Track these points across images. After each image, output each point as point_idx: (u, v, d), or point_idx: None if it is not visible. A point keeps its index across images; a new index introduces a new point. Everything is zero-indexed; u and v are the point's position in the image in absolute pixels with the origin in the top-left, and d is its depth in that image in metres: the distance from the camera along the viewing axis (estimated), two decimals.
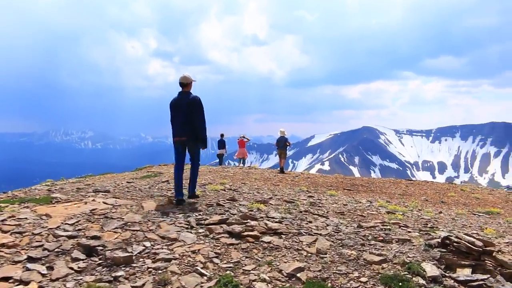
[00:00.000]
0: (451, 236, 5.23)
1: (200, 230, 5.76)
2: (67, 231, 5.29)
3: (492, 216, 9.03)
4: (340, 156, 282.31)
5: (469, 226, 7.66)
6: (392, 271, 4.50)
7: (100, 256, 4.64)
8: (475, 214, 9.11)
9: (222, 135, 25.54)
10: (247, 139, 24.60)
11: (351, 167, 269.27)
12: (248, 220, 6.25)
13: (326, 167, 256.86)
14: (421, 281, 4.31)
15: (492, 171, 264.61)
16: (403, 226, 6.53)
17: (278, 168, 17.62)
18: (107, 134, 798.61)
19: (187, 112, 7.38)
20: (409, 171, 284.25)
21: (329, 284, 4.24)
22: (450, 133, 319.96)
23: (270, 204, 8.09)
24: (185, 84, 7.57)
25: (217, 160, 25.67)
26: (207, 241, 5.36)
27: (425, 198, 11.13)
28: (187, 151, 7.77)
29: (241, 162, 24.17)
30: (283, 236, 5.65)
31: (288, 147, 18.09)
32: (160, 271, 4.32)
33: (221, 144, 25.24)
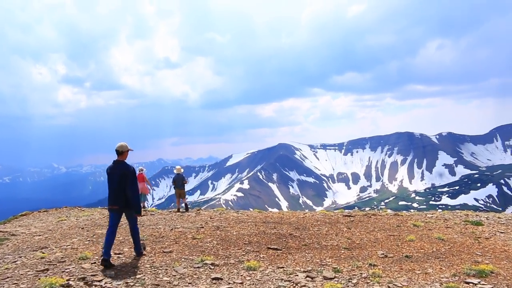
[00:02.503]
0: None
1: None
2: None
3: (488, 279, 6.05)
4: (258, 174, 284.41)
5: None
6: None
7: None
8: (468, 283, 6.02)
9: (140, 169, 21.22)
10: (143, 170, 20.49)
11: (270, 184, 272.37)
12: None
13: (246, 185, 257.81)
14: None
15: (400, 178, 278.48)
16: None
17: (176, 209, 15.99)
18: (15, 166, 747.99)
19: (119, 182, 7.54)
20: (325, 183, 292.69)
21: None
22: (360, 145, 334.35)
23: None
24: (121, 152, 7.77)
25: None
26: None
27: (383, 253, 7.92)
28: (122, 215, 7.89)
29: (141, 198, 19.92)
30: None
31: (185, 184, 17.06)
32: None
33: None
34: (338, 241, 9.09)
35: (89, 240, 9.36)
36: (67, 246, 8.87)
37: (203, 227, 10.64)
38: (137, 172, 20.41)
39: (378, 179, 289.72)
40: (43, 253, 8.11)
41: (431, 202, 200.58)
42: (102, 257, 7.25)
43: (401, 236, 9.62)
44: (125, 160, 7.87)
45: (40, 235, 10.60)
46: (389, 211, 15.63)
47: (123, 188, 7.54)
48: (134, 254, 8.04)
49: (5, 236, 10.79)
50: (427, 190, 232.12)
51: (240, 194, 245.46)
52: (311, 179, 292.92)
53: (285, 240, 9.09)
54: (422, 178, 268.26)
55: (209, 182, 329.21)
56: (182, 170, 17.32)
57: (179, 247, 8.41)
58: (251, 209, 20.41)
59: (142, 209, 19.40)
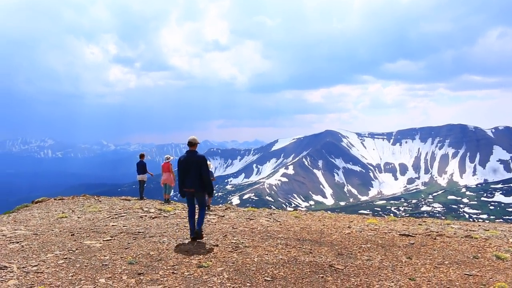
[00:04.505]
0: None
1: None
2: None
3: None
4: (304, 159, 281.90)
5: None
6: None
7: None
8: None
9: (141, 156, 19.33)
10: (169, 159, 18.51)
11: (315, 170, 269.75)
12: None
13: (291, 171, 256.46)
14: None
15: (450, 172, 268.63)
16: None
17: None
18: (67, 142, 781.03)
19: (196, 169, 8.72)
20: (372, 173, 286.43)
21: None
22: (410, 135, 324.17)
23: None
24: (193, 144, 9.03)
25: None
26: None
27: None
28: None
29: (165, 190, 17.97)
30: None
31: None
32: None
33: (141, 168, 19.01)
34: (397, 283, 6.51)
35: (65, 259, 7.16)
36: (33, 267, 6.71)
37: (217, 246, 8.26)
38: (163, 161, 18.44)
39: (427, 171, 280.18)
40: None
41: (482, 199, 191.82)
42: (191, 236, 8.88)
43: (484, 279, 6.89)
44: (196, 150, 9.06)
45: (18, 242, 8.57)
46: (455, 227, 12.76)
47: (199, 174, 8.70)
48: (196, 227, 8.89)
49: None
50: (479, 185, 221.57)
51: (284, 179, 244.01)
52: (357, 168, 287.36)
53: (322, 277, 6.58)
54: (474, 173, 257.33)
55: (254, 165, 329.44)
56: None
57: (174, 282, 6.09)
58: (288, 210, 17.92)
59: (166, 203, 17.47)
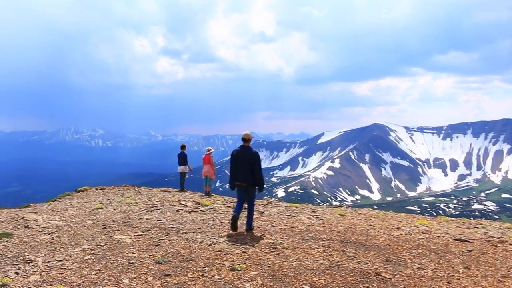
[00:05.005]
0: None
1: None
2: None
3: None
4: (350, 153, 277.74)
5: None
6: None
7: None
8: None
9: (183, 147, 19.03)
10: (210, 151, 18.11)
11: (361, 164, 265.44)
12: None
13: (337, 164, 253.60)
14: None
15: (505, 169, 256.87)
16: None
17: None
18: (117, 132, 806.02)
19: (249, 164, 8.84)
20: (420, 168, 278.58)
21: None
22: (461, 130, 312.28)
23: None
24: (247, 139, 9.12)
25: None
26: None
27: None
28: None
29: (206, 182, 17.58)
30: None
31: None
32: None
33: (182, 159, 18.72)
34: None
35: (92, 254, 6.80)
36: (58, 262, 6.38)
37: (254, 246, 7.66)
38: (204, 153, 18.06)
39: (479, 168, 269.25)
40: (8, 278, 5.68)
41: None
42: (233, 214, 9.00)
43: None
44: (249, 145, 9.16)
45: (49, 233, 8.33)
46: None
47: (252, 169, 8.80)
48: (245, 227, 9.17)
49: (8, 230, 8.73)
50: None
51: (330, 172, 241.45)
52: (405, 163, 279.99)
53: (368, 287, 5.88)
54: None
55: (300, 158, 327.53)
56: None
57: (202, 287, 5.56)
58: (333, 206, 17.14)
59: (206, 196, 17.10)
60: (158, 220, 9.80)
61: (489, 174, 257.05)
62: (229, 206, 12.81)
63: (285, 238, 8.40)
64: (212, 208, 12.03)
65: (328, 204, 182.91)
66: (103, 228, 8.77)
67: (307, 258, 6.99)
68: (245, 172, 8.86)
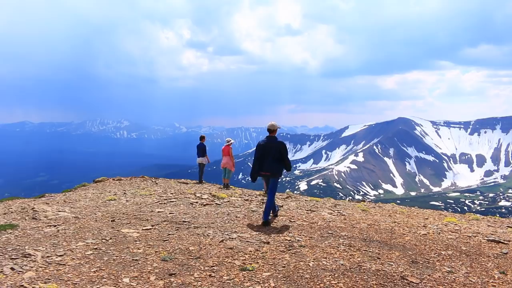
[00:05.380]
0: None
1: None
2: None
3: None
4: (374, 147, 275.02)
5: None
6: None
7: None
8: None
9: (202, 138, 18.62)
10: (230, 142, 17.67)
11: (385, 158, 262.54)
12: None
13: (360, 158, 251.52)
14: None
15: None
16: None
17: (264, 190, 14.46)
18: (141, 124, 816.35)
19: (275, 153, 8.90)
20: (445, 163, 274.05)
21: None
22: (490, 125, 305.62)
23: None
24: (272, 130, 9.11)
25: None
26: None
27: None
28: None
29: (225, 174, 17.14)
30: None
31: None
32: None
33: (201, 150, 18.31)
34: None
35: (95, 249, 6.36)
36: (58, 257, 5.97)
37: (268, 243, 7.12)
38: (224, 144, 17.61)
39: (507, 164, 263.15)
40: (2, 274, 5.28)
41: None
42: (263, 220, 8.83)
43: None
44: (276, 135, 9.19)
45: (55, 226, 7.96)
46: None
47: (277, 160, 8.92)
48: (262, 220, 8.98)
49: (16, 221, 8.39)
50: None
51: (353, 166, 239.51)
52: (430, 157, 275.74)
53: None
54: None
55: (323, 151, 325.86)
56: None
57: None
58: (356, 200, 16.49)
59: (225, 188, 16.65)
60: (170, 213, 9.34)
61: None
62: (247, 200, 12.31)
63: (303, 235, 7.84)
64: (228, 201, 11.52)
65: (350, 198, 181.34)
66: (111, 221, 8.34)
67: (325, 258, 6.41)
68: (271, 161, 8.90)
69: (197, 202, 10.87)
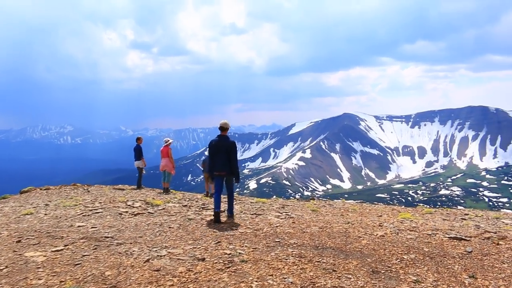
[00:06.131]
0: None
1: None
2: None
3: None
4: (321, 143, 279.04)
5: None
6: None
7: None
8: None
9: (138, 139, 17.18)
10: (168, 142, 16.33)
11: (332, 154, 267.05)
12: None
13: (308, 155, 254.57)
14: None
15: (470, 155, 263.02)
16: None
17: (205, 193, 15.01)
18: (86, 128, 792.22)
19: (227, 153, 8.94)
20: (389, 156, 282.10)
21: None
22: (429, 117, 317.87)
23: None
24: (225, 128, 9.23)
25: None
26: None
27: None
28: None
29: (164, 178, 15.81)
30: None
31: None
32: None
33: (137, 153, 16.89)
34: None
35: None
36: None
37: (204, 260, 5.94)
38: (163, 145, 16.32)
39: (446, 154, 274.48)
40: None
41: (503, 182, 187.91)
42: (215, 211, 8.84)
43: None
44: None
45: None
46: (509, 223, 10.33)
47: (229, 159, 8.91)
48: (227, 213, 9.35)
49: None
50: (500, 168, 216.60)
51: (301, 163, 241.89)
52: (375, 151, 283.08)
53: None
54: (495, 156, 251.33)
55: (271, 149, 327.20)
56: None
57: None
58: (305, 199, 15.61)
59: (165, 193, 15.32)
60: (92, 228, 7.91)
61: (455, 160, 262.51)
62: (185, 205, 11.05)
63: (245, 246, 6.71)
64: (163, 209, 10.17)
65: (299, 195, 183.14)
66: (16, 242, 6.88)
67: (272, 275, 5.32)
68: (223, 161, 8.92)
69: (127, 212, 9.49)
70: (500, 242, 7.57)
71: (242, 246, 6.66)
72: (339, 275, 5.40)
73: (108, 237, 7.09)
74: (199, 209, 10.59)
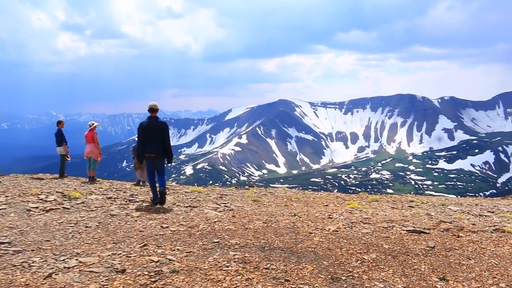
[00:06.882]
0: None
1: None
2: None
3: None
4: (257, 129, 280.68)
5: None
6: None
7: None
8: None
9: (58, 123, 15.40)
10: (93, 125, 14.70)
11: (268, 139, 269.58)
12: None
13: (244, 140, 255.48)
14: None
15: (399, 140, 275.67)
16: None
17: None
18: (13, 113, 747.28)
19: (159, 134, 8.75)
20: (324, 142, 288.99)
21: None
22: (361, 104, 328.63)
23: None
24: (155, 110, 8.94)
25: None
26: None
27: None
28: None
29: (89, 166, 14.21)
30: None
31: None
32: None
33: (58, 138, 15.12)
34: None
35: None
36: None
37: (124, 271, 4.69)
38: (87, 129, 14.67)
39: (376, 140, 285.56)
40: None
41: (427, 166, 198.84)
42: (152, 200, 8.99)
43: None
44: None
45: None
46: (455, 209, 9.84)
47: (162, 140, 8.78)
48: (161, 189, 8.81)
49: None
50: (425, 153, 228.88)
51: (238, 148, 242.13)
52: (309, 137, 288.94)
53: None
54: (421, 141, 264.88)
55: (207, 135, 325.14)
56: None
57: None
58: (244, 188, 14.56)
59: (91, 182, 13.77)
60: None
61: (385, 146, 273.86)
62: (110, 198, 9.62)
63: (177, 249, 5.48)
64: (83, 202, 8.63)
65: (236, 180, 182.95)
66: None
67: None
68: (155, 143, 8.73)
69: (37, 208, 7.91)
70: (460, 234, 6.90)
71: (174, 250, 5.42)
72: (293, 286, 4.37)
73: (3, 243, 5.60)
74: (126, 201, 9.21)
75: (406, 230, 6.95)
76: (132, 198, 9.73)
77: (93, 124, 14.68)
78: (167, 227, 6.69)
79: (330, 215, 8.28)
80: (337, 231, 6.74)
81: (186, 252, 5.34)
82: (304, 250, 5.65)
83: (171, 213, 7.93)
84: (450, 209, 10.59)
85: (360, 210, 9.12)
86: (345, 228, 6.99)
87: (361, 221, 7.67)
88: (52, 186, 11.87)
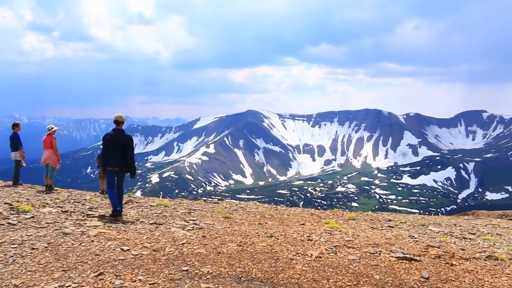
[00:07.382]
0: None
1: None
2: None
3: None
4: (225, 138, 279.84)
5: None
6: None
7: None
8: None
9: (14, 126, 14.23)
10: (52, 130, 13.62)
11: (236, 150, 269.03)
12: None
13: (212, 150, 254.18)
14: None
15: (365, 154, 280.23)
16: None
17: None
18: None
19: (122, 148, 8.43)
20: (291, 154, 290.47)
21: None
22: (329, 118, 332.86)
23: None
24: (120, 122, 8.56)
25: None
26: None
27: None
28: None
29: (46, 173, 13.11)
30: None
31: None
32: None
33: (13, 142, 13.97)
34: None
35: None
36: None
37: None
38: (46, 133, 13.57)
39: (343, 153, 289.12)
40: None
41: (392, 180, 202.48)
42: (114, 210, 8.36)
43: None
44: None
45: None
46: (436, 230, 9.34)
47: (125, 154, 8.45)
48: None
49: None
50: (390, 168, 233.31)
51: (205, 158, 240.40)
52: (277, 148, 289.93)
53: None
54: (386, 156, 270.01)
55: (175, 143, 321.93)
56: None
57: None
58: (213, 202, 13.71)
59: (48, 190, 12.72)
60: None
61: (351, 159, 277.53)
62: (66, 211, 8.60)
63: (139, 279, 4.61)
64: (33, 217, 7.61)
65: (202, 190, 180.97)
66: None
67: None
68: (118, 156, 8.45)
69: None
70: (453, 263, 6.31)
71: (135, 281, 4.55)
72: None
73: None
74: (83, 216, 8.22)
75: (396, 257, 6.30)
76: (91, 212, 8.75)
77: (52, 128, 13.60)
78: (128, 250, 5.77)
79: (309, 236, 7.57)
80: (321, 257, 6.02)
81: (150, 284, 4.48)
82: (286, 282, 4.90)
83: (133, 232, 7.01)
84: (431, 229, 10.10)
85: (340, 231, 8.46)
86: (328, 253, 6.29)
87: (344, 245, 6.99)
88: (2, 195, 10.75)
